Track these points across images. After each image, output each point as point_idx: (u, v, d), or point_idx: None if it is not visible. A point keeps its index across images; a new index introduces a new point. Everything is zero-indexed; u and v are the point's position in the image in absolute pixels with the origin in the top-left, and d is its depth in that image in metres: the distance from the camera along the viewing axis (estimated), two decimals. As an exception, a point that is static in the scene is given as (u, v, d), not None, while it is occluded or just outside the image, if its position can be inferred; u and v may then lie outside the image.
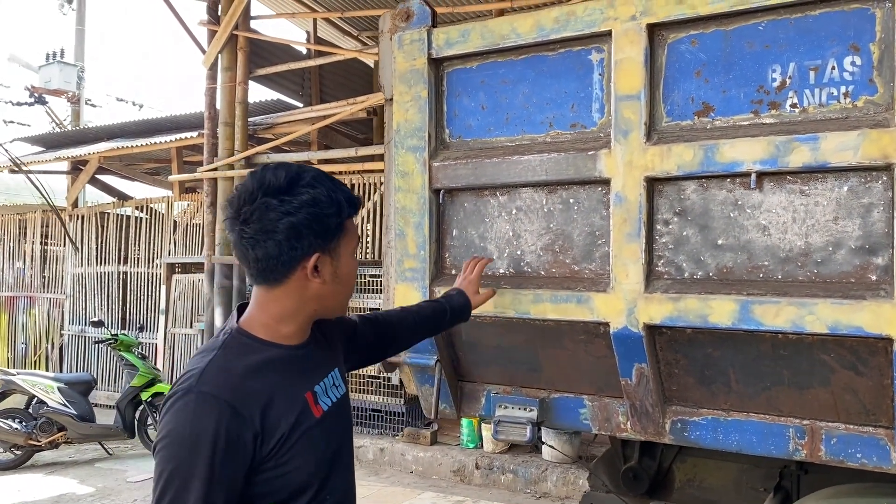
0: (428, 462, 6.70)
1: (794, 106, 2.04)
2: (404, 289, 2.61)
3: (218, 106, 7.91)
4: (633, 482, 2.86)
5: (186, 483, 1.28)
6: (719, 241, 2.14)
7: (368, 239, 7.49)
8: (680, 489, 2.87)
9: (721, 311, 2.09)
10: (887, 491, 2.23)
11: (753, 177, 2.05)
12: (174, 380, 6.73)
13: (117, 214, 10.14)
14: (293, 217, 1.38)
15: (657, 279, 2.22)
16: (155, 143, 9.08)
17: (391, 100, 2.65)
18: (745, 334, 2.11)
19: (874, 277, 1.95)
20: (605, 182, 2.27)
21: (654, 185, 2.21)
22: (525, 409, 2.53)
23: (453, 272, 2.59)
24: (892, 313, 1.88)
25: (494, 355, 2.59)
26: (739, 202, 2.11)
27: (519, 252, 2.46)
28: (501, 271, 2.50)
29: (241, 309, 1.55)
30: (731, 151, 2.08)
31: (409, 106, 2.58)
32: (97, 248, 10.11)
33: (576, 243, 2.36)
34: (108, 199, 11.35)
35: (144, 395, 7.12)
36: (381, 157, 4.58)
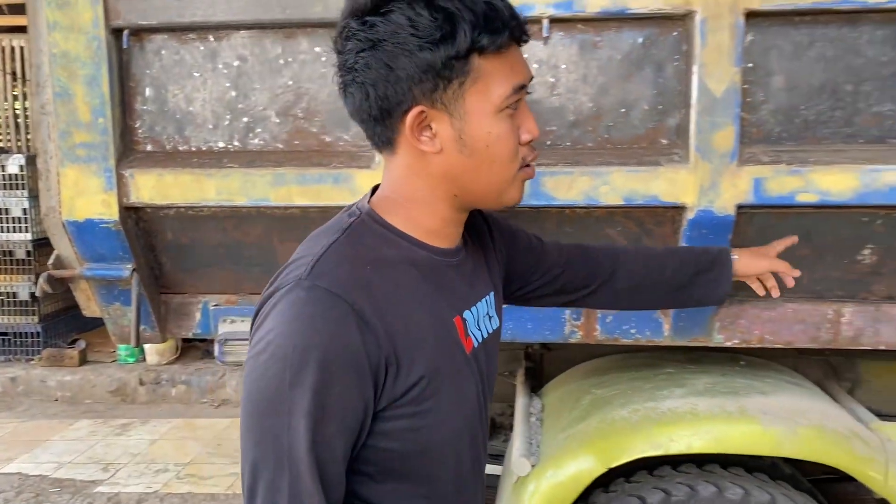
0: (78, 385, 5.69)
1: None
2: (77, 174, 1.83)
3: None
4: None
5: (289, 413, 0.88)
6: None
7: None
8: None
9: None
10: (647, 360, 2.21)
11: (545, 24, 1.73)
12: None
13: None
14: (374, 51, 0.94)
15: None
16: None
17: None
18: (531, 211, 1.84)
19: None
20: None
21: None
22: (259, 321, 2.00)
23: (149, 148, 1.88)
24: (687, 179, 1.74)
25: (214, 256, 1.98)
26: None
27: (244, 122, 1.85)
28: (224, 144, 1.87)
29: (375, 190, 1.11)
30: (520, -10, 1.71)
31: None
32: None
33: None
34: None
35: None
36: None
